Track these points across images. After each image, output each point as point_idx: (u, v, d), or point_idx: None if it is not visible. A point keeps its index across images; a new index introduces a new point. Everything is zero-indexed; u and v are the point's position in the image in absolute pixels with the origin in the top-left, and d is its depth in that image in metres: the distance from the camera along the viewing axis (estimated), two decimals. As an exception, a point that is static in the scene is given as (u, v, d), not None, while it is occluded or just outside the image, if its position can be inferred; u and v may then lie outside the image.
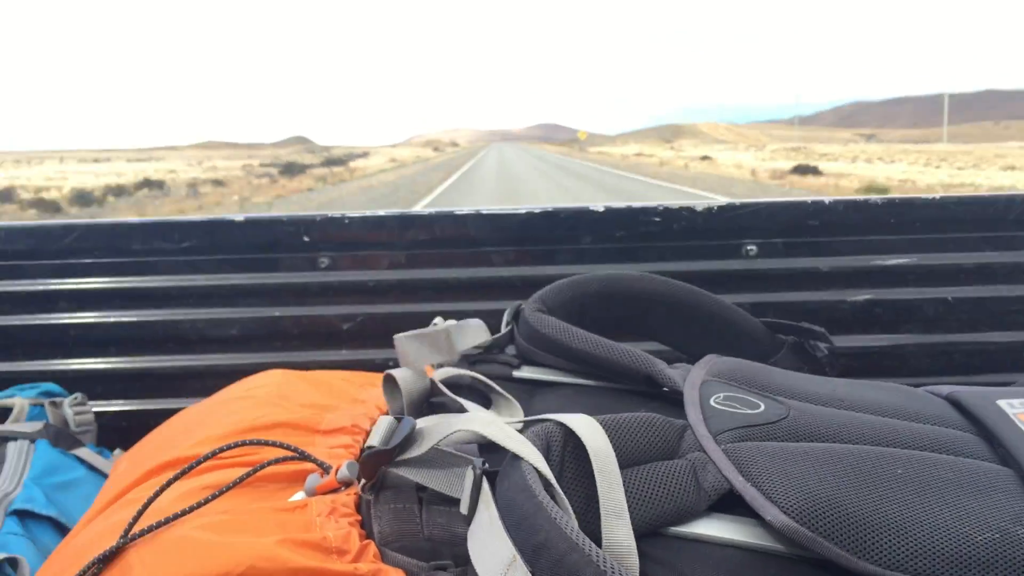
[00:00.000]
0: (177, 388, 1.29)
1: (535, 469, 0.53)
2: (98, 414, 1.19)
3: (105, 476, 0.97)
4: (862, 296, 1.28)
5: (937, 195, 1.29)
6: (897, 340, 1.29)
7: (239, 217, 1.31)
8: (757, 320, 1.00)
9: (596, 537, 0.54)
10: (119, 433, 1.15)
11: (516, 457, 0.54)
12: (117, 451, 1.07)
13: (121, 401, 1.28)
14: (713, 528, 0.59)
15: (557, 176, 32.34)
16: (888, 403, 0.73)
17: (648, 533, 0.57)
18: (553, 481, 0.53)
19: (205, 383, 1.15)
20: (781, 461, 0.60)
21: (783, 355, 0.99)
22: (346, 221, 1.29)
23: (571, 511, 0.52)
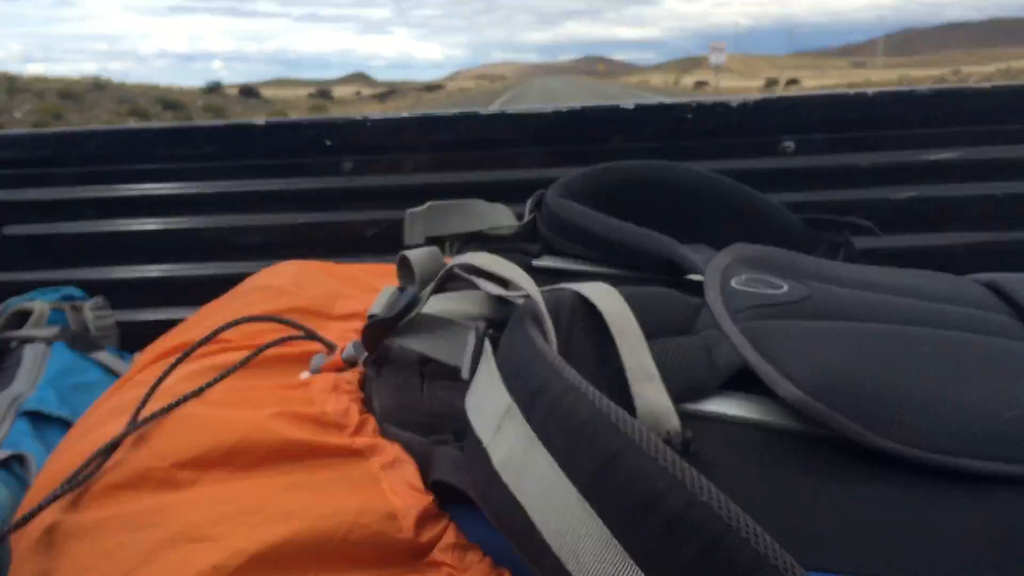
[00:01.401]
0: (201, 296, 1.27)
1: (536, 322, 0.50)
2: (123, 323, 1.19)
3: (124, 377, 0.96)
4: (906, 193, 1.23)
5: (989, 84, 1.22)
6: (943, 239, 1.23)
7: (260, 121, 1.28)
8: (794, 215, 0.95)
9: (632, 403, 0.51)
10: (143, 340, 1.15)
11: (518, 315, 0.51)
12: (137, 354, 1.06)
13: (145, 309, 1.27)
14: (725, 405, 0.55)
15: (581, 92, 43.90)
16: (922, 286, 0.69)
17: None
18: (552, 336, 0.49)
19: (229, 290, 1.14)
20: (798, 338, 0.57)
21: (822, 252, 0.95)
22: (369, 124, 1.26)
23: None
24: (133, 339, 1.14)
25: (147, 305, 1.27)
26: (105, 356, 1.02)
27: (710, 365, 0.57)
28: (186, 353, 0.62)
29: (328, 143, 1.26)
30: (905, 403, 0.52)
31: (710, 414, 0.55)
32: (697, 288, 0.69)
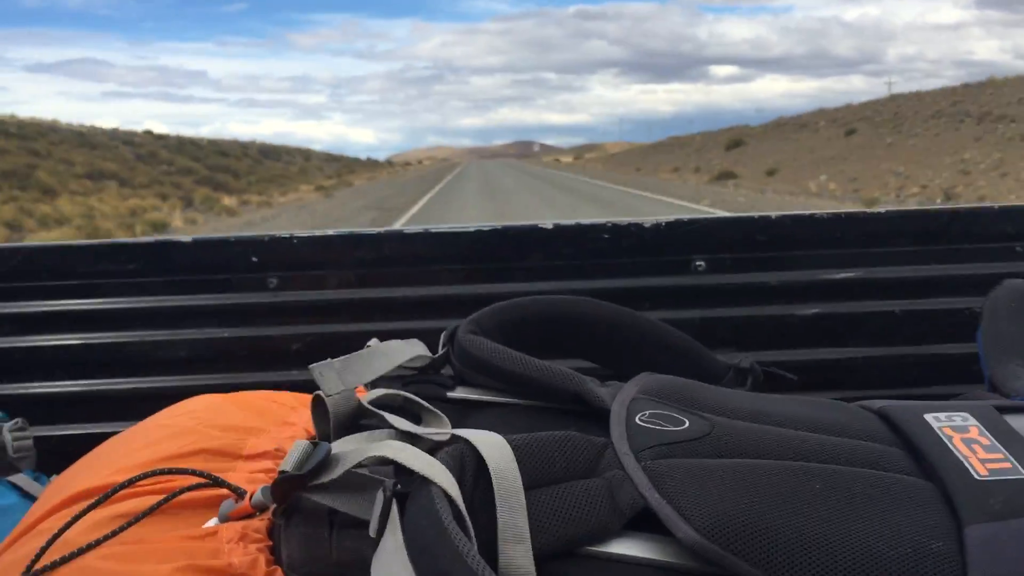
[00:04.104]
0: (124, 411, 1.27)
1: (444, 493, 0.52)
2: (43, 439, 1.18)
3: (38, 503, 0.95)
4: (810, 310, 1.28)
5: (883, 209, 1.30)
6: (845, 353, 1.29)
7: (186, 238, 1.30)
8: (700, 344, 0.99)
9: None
10: (64, 458, 1.13)
11: (426, 480, 0.54)
12: (54, 477, 1.05)
13: (67, 425, 1.26)
14: (627, 547, 0.58)
15: (512, 171, 53.21)
16: (816, 418, 0.73)
17: (562, 553, 0.57)
18: (462, 506, 0.52)
19: (152, 406, 1.13)
20: (698, 478, 0.60)
21: (730, 379, 0.99)
22: (294, 241, 1.28)
23: (473, 537, 0.52)
24: (54, 456, 1.13)
25: (67, 421, 1.26)
26: (22, 479, 1.01)
27: (612, 508, 0.60)
28: (80, 514, 0.62)
29: (254, 259, 1.28)
30: (795, 543, 0.55)
31: (612, 555, 0.58)
32: (604, 418, 0.72)
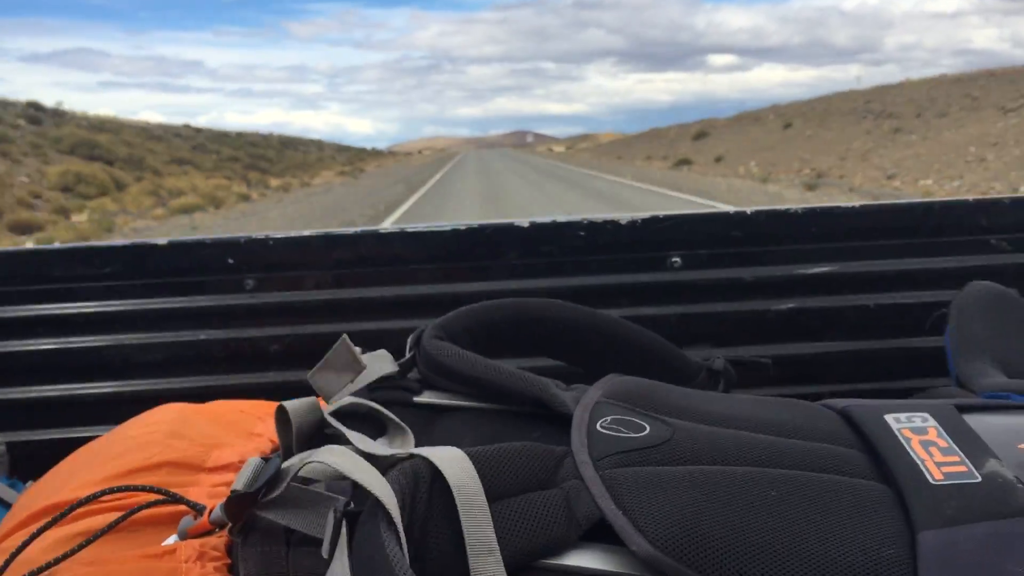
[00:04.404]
0: (101, 416, 1.27)
1: (389, 517, 0.53)
2: (19, 444, 1.18)
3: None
4: (786, 305, 1.29)
5: (857, 203, 1.30)
6: (821, 348, 1.30)
7: (162, 241, 1.30)
8: (672, 345, 1.00)
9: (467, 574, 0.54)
10: (40, 463, 1.13)
11: (376, 503, 0.54)
12: (29, 483, 1.05)
13: (43, 431, 1.26)
14: (584, 559, 0.59)
15: (504, 160, 56.83)
16: (778, 421, 0.73)
17: (519, 567, 0.57)
18: (400, 531, 0.52)
19: (129, 410, 1.13)
20: (654, 488, 0.61)
21: (702, 380, 0.99)
22: (271, 243, 1.28)
23: (434, 549, 0.52)
24: (30, 462, 1.13)
25: (43, 426, 1.26)
26: (-4, 485, 1.01)
27: (569, 519, 0.60)
28: (47, 524, 0.62)
29: (230, 261, 1.28)
30: (748, 553, 0.56)
31: (569, 568, 0.59)
32: (567, 422, 0.73)
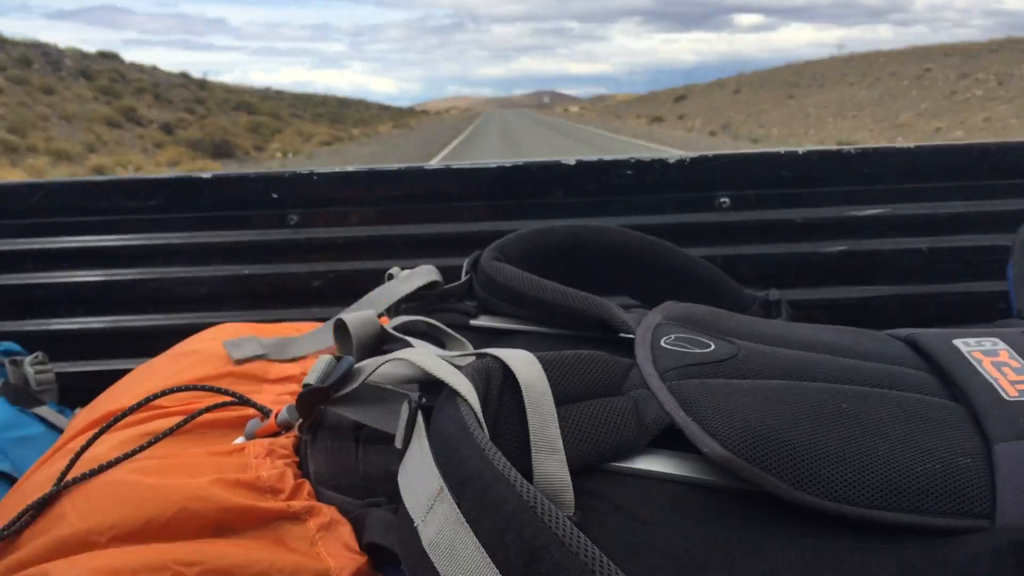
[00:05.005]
0: (144, 347, 1.27)
1: (468, 402, 0.52)
2: (65, 374, 1.18)
3: (63, 433, 0.96)
4: (836, 247, 1.27)
5: (912, 144, 1.28)
6: (871, 291, 1.27)
7: (206, 175, 1.29)
8: (726, 275, 0.99)
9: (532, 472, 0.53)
10: (85, 393, 1.14)
11: (451, 392, 0.53)
12: (78, 410, 1.06)
13: (88, 361, 1.27)
14: (653, 463, 0.58)
15: (522, 119, 60.41)
16: (844, 343, 0.72)
17: (587, 469, 0.57)
18: (479, 413, 0.52)
19: (173, 342, 1.13)
20: (724, 396, 0.59)
21: (756, 310, 0.98)
22: (315, 178, 1.28)
23: (502, 446, 0.51)
24: (76, 392, 1.14)
25: (89, 357, 1.27)
26: (46, 411, 1.02)
27: (638, 424, 0.59)
28: (110, 423, 0.62)
29: (274, 196, 1.27)
30: (824, 459, 0.55)
31: (638, 471, 0.58)
32: (629, 346, 0.72)
